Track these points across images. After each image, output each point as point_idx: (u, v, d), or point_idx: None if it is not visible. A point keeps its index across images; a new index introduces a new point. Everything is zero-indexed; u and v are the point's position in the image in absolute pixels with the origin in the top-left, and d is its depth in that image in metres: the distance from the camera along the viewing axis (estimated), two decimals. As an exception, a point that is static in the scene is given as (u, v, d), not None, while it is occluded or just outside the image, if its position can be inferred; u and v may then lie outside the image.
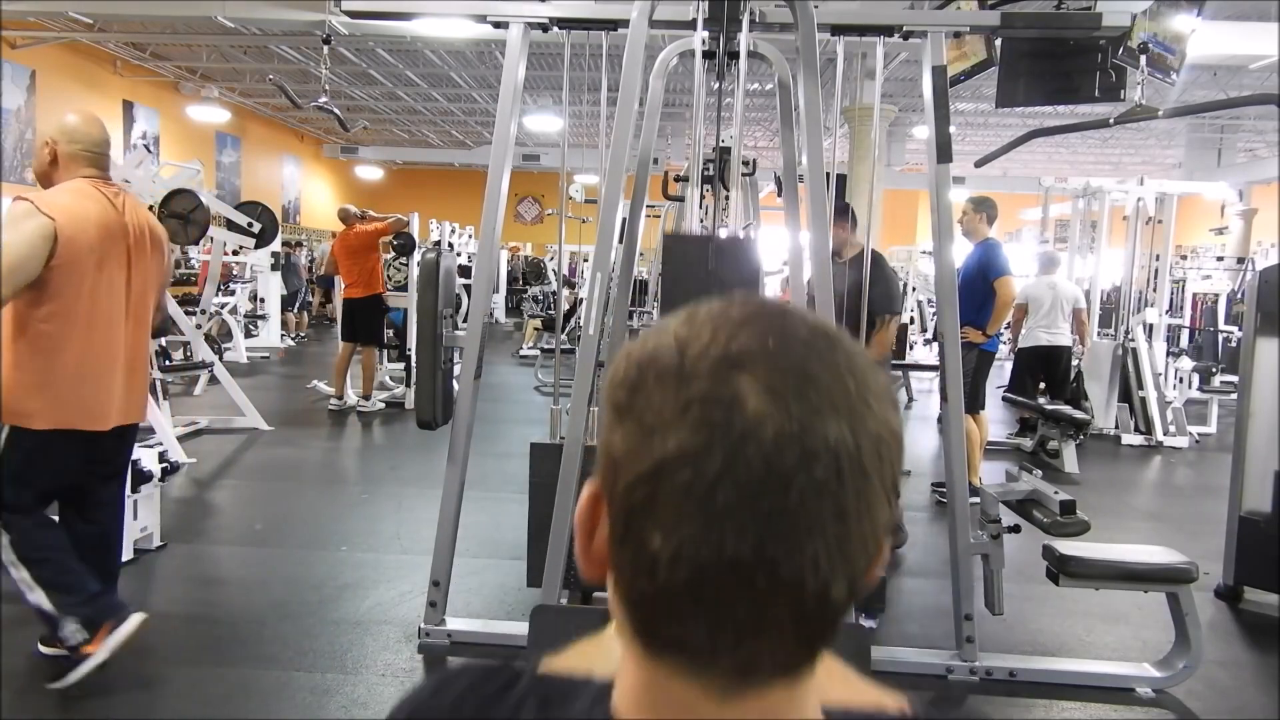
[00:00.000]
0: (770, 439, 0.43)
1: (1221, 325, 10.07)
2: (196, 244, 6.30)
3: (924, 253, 12.70)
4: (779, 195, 4.06)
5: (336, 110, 9.13)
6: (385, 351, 8.42)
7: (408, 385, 7.72)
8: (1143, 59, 3.99)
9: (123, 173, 6.21)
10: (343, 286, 7.64)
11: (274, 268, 12.47)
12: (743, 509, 0.43)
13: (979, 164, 6.26)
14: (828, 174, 2.99)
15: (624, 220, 3.39)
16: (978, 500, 3.20)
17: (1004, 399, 6.78)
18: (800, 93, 2.85)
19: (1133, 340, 7.42)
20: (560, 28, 3.02)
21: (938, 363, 3.10)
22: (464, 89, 14.32)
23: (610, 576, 0.49)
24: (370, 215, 7.85)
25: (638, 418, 0.46)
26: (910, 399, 9.30)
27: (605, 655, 0.53)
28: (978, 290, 5.04)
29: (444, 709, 0.55)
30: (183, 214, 5.79)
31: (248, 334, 11.33)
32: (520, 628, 3.06)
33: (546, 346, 10.45)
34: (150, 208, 5.89)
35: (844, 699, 0.52)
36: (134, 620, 2.69)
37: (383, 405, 7.69)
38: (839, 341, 0.48)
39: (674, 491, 0.44)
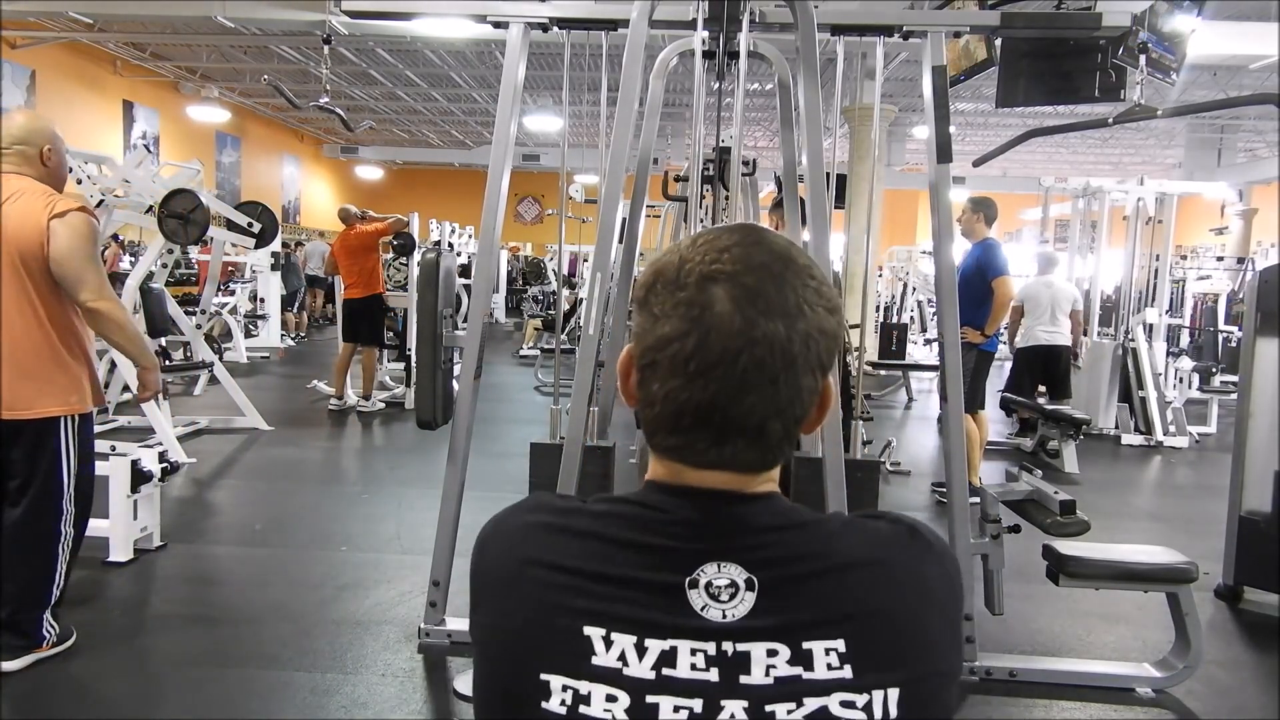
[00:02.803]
0: (727, 330, 0.66)
1: (1221, 325, 10.07)
2: (196, 244, 6.28)
3: (924, 253, 12.71)
4: (779, 195, 4.06)
5: (340, 111, 9.12)
6: (385, 351, 8.41)
7: (408, 385, 7.72)
8: (1142, 59, 3.99)
9: (123, 173, 6.23)
10: (343, 287, 7.64)
11: (274, 268, 12.47)
12: (706, 373, 0.67)
13: (977, 163, 6.26)
14: (828, 174, 2.99)
15: (624, 220, 3.39)
16: (978, 500, 3.20)
17: (1002, 399, 6.76)
18: (800, 93, 2.84)
19: (1133, 340, 7.42)
20: (560, 28, 3.02)
21: (937, 363, 3.10)
22: (464, 89, 14.33)
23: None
24: (370, 215, 7.84)
25: (650, 309, 0.70)
26: (910, 399, 9.31)
27: None
28: (976, 290, 5.04)
29: (526, 509, 0.78)
30: (183, 214, 5.78)
31: (248, 334, 11.33)
32: (520, 628, 3.05)
33: (546, 346, 10.46)
34: (150, 208, 5.92)
35: None
36: None
37: (383, 405, 7.69)
38: (792, 263, 0.70)
39: (665, 359, 0.68)
